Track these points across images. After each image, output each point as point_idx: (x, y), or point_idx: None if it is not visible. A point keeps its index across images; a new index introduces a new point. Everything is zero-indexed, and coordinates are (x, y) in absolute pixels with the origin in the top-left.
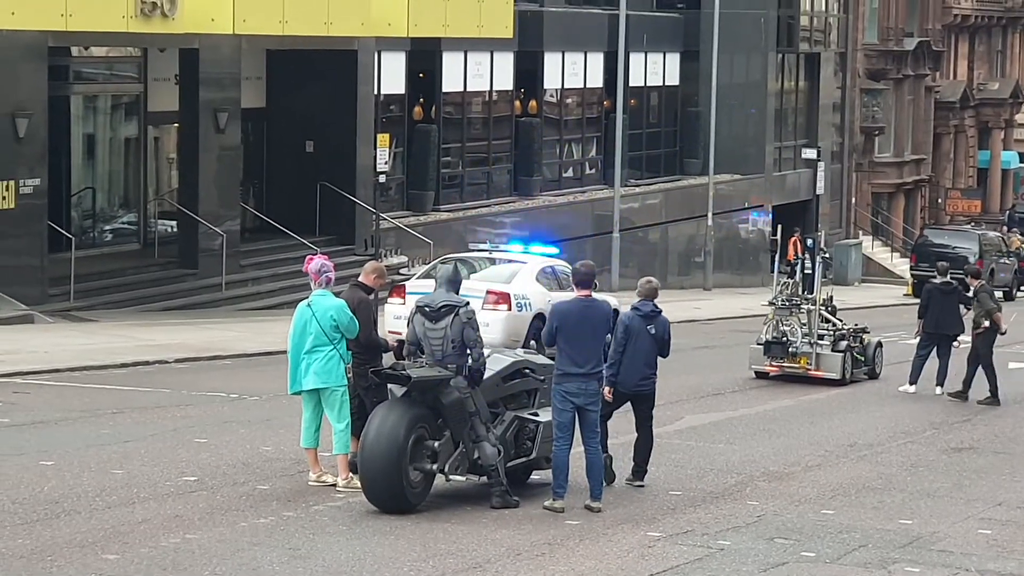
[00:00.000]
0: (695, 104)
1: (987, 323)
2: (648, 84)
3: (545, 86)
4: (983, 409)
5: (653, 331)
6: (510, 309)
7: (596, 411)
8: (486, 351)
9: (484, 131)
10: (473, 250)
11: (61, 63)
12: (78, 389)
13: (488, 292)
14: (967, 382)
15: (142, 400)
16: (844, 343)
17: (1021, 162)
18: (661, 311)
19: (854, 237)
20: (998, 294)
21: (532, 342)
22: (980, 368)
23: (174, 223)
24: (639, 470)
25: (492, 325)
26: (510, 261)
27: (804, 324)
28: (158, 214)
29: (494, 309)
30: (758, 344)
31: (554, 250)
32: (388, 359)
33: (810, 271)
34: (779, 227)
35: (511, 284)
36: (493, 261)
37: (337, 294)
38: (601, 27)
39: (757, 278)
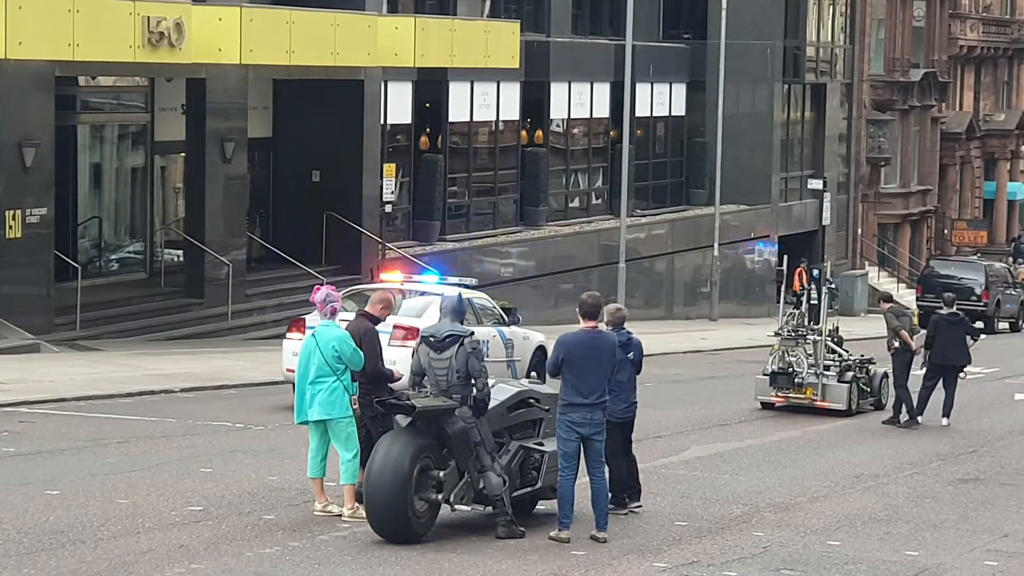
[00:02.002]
0: (701, 134)
1: (896, 343)
2: (654, 114)
3: (551, 116)
4: (989, 440)
5: (632, 356)
6: None
7: (601, 441)
8: (491, 381)
9: (490, 161)
10: (385, 281)
11: (68, 92)
12: (84, 418)
13: (396, 327)
14: (896, 406)
15: (148, 429)
16: (850, 374)
17: None
18: (631, 334)
19: (860, 268)
20: (1003, 325)
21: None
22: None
23: (180, 252)
24: (634, 492)
25: (400, 363)
26: (422, 293)
27: (810, 355)
28: (164, 243)
29: (402, 345)
30: (764, 375)
31: (471, 280)
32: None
33: (816, 302)
34: (785, 258)
35: (421, 318)
36: (404, 294)
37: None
38: (607, 57)
39: (763, 308)
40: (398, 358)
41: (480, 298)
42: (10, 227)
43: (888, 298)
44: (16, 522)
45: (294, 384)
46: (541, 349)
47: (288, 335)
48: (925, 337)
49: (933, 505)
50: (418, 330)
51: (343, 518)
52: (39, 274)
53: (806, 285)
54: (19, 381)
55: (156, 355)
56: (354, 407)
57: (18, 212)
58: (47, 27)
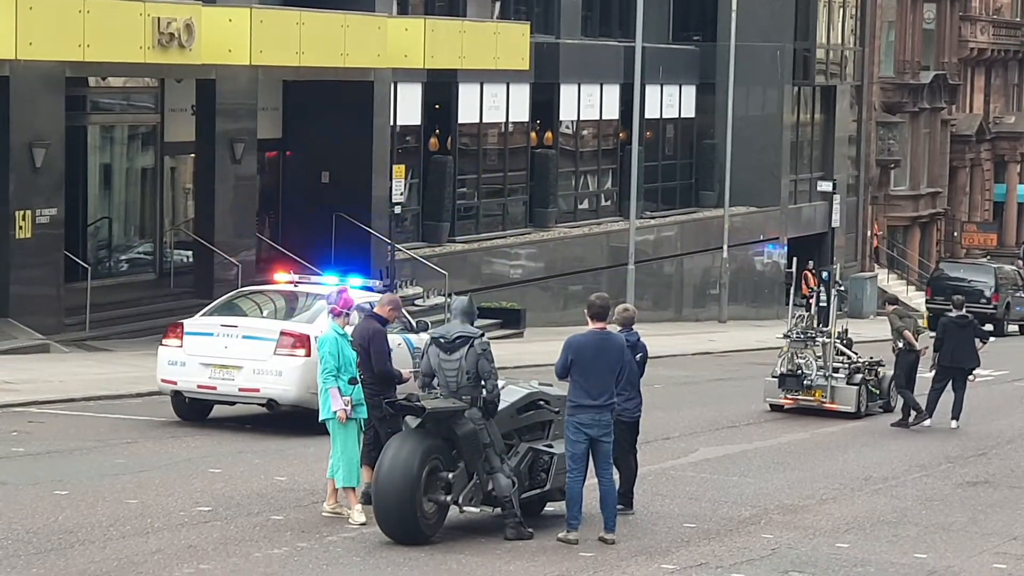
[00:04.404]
0: (711, 136)
1: (900, 344)
2: (664, 116)
3: (561, 118)
4: (999, 443)
5: (639, 358)
6: (309, 355)
7: (610, 442)
8: (500, 382)
9: (500, 162)
10: (280, 281)
11: (78, 93)
12: (93, 419)
13: (283, 333)
14: (905, 409)
15: (156, 430)
16: (859, 376)
17: None
18: (639, 336)
19: (869, 270)
20: (1013, 328)
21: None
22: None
23: (190, 253)
24: (626, 498)
25: (285, 374)
26: (317, 296)
27: (819, 357)
28: (174, 244)
29: (289, 354)
30: (773, 377)
31: (378, 283)
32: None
33: (825, 304)
34: (794, 260)
35: (314, 324)
36: (299, 296)
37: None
38: (617, 59)
39: (772, 311)
40: (284, 369)
41: None
42: (20, 227)
43: (893, 301)
44: (25, 522)
45: (172, 395)
46: None
47: (165, 341)
48: (934, 340)
49: (942, 508)
50: (308, 337)
51: (321, 511)
52: (49, 274)
53: (815, 287)
54: (29, 381)
55: None
56: (344, 409)
57: (28, 212)
58: (57, 28)
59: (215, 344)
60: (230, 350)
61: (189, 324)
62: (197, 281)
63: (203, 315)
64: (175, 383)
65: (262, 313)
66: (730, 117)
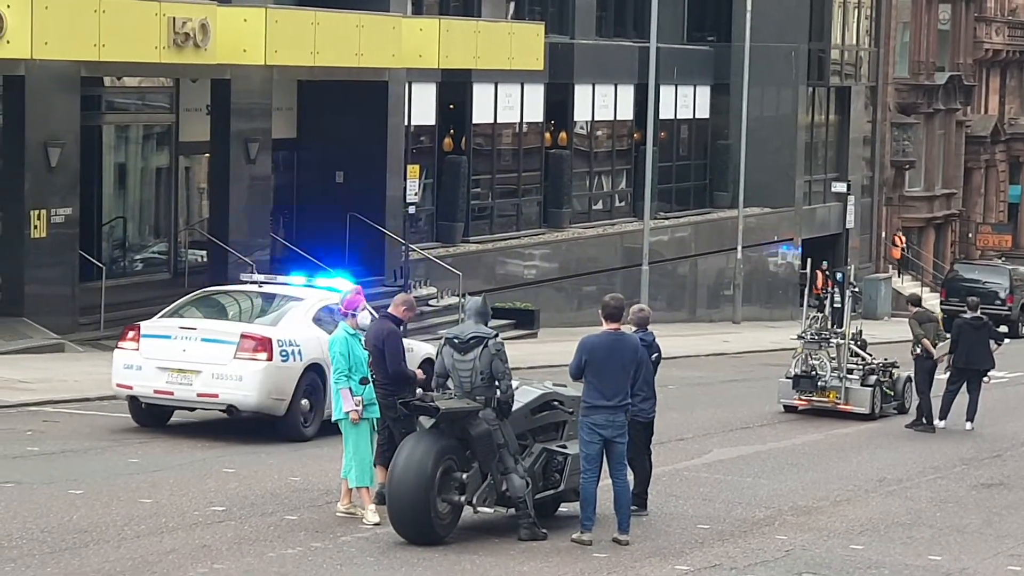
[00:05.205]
0: (725, 137)
1: (918, 350)
2: (678, 117)
3: (575, 118)
4: (1013, 444)
5: (654, 358)
6: (271, 359)
7: (624, 443)
8: (514, 383)
9: (514, 163)
10: (245, 282)
11: (93, 93)
12: (107, 418)
13: (244, 336)
14: (919, 410)
15: (170, 429)
16: (873, 377)
17: None
18: (655, 336)
19: (884, 271)
20: None
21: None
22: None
23: (204, 253)
24: (640, 499)
25: (246, 379)
26: (283, 297)
27: (833, 358)
28: (188, 244)
29: (251, 358)
30: (787, 378)
31: (348, 284)
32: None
33: (840, 305)
34: (808, 261)
35: (277, 327)
36: (263, 297)
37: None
38: (631, 60)
39: (786, 312)
40: (244, 373)
41: None
42: (35, 227)
43: (916, 302)
44: (40, 521)
45: (128, 400)
46: (428, 361)
47: (121, 344)
48: (949, 343)
49: (956, 510)
50: (270, 340)
51: (336, 511)
52: (64, 274)
53: (829, 288)
54: (43, 380)
55: None
56: (356, 409)
57: (43, 212)
58: (73, 28)
59: (173, 347)
60: (188, 353)
61: (146, 326)
62: (211, 281)
63: (162, 316)
64: (131, 388)
65: (224, 315)
66: (744, 118)
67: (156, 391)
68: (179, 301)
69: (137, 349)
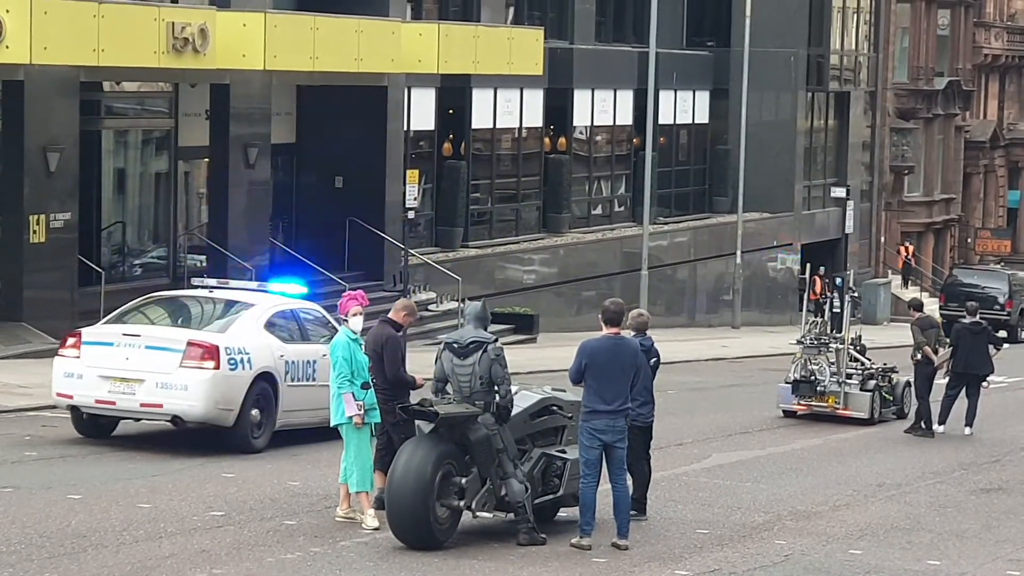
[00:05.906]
0: (724, 142)
1: (919, 356)
2: (677, 122)
3: (574, 123)
4: (1013, 449)
5: (652, 363)
6: (218, 367)
7: (624, 448)
8: (513, 388)
9: (513, 168)
10: (197, 287)
11: (93, 98)
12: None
13: (190, 344)
14: (918, 415)
15: (169, 434)
16: (872, 382)
17: None
18: (653, 341)
19: (883, 276)
20: None
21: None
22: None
23: (203, 258)
24: (640, 504)
25: (192, 388)
26: (234, 303)
27: (832, 363)
28: (188, 248)
29: (197, 367)
30: (786, 383)
31: (301, 288)
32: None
33: (839, 310)
34: (808, 266)
35: (225, 334)
36: (214, 302)
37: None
38: (631, 65)
39: (785, 317)
40: (190, 382)
41: (310, 310)
42: (34, 232)
43: (919, 306)
44: (38, 526)
45: (69, 410)
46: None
47: (61, 351)
48: (950, 349)
49: (956, 514)
50: (217, 348)
51: (335, 516)
52: (63, 279)
53: (828, 293)
54: (42, 385)
55: None
56: (359, 413)
57: (42, 217)
58: (72, 33)
59: (115, 355)
60: (131, 361)
61: (87, 333)
62: None
63: (105, 323)
64: (71, 397)
65: (172, 321)
66: (744, 123)
67: (97, 401)
68: (125, 306)
69: (78, 357)
